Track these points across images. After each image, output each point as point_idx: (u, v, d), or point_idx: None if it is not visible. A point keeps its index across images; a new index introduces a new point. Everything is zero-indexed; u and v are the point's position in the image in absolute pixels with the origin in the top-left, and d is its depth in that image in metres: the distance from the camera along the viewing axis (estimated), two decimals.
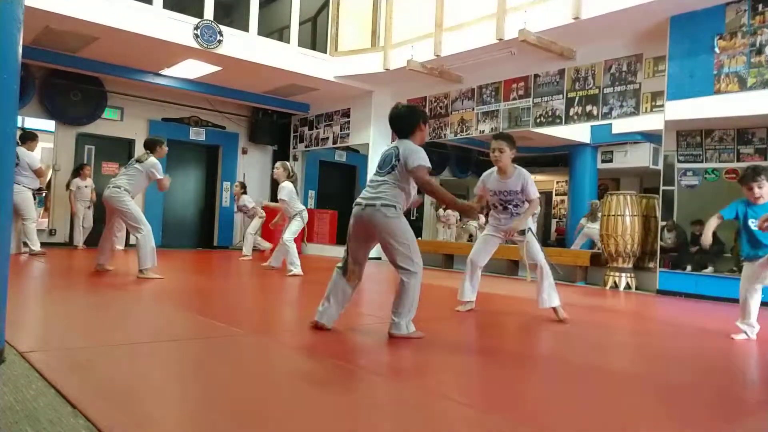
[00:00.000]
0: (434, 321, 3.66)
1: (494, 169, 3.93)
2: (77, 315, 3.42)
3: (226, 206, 11.16)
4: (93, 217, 8.84)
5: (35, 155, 7.18)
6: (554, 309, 3.88)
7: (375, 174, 3.02)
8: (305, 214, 6.55)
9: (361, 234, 2.99)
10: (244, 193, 9.01)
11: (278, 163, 6.72)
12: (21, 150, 6.93)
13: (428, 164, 2.89)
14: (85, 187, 8.75)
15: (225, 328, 3.12)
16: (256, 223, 8.65)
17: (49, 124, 9.21)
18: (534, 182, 3.93)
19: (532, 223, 4.10)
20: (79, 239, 8.76)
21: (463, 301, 4.10)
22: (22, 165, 6.88)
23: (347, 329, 3.20)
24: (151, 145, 5.48)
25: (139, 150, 10.09)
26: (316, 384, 2.15)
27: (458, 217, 12.41)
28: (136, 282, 4.73)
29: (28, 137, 7.19)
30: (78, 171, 8.84)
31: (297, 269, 6.11)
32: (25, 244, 7.12)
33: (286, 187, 6.36)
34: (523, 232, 3.91)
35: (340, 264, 3.10)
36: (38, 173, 7.12)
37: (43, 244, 7.42)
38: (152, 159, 5.31)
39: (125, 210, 5.11)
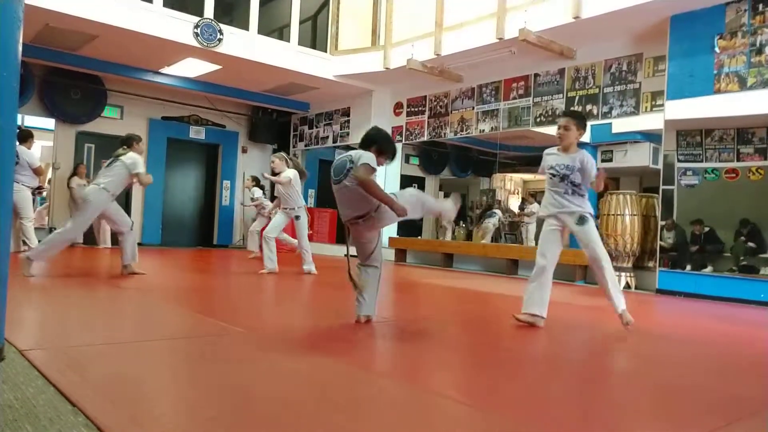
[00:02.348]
0: (433, 320, 3.67)
1: (555, 147, 3.70)
2: (76, 313, 3.42)
3: (225, 205, 11.16)
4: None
5: (35, 154, 7.18)
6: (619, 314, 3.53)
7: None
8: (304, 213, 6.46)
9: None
10: (256, 186, 8.71)
11: (273, 156, 6.54)
12: (21, 148, 6.93)
13: (374, 165, 3.05)
14: (84, 185, 8.74)
15: (224, 326, 3.12)
16: (263, 221, 8.28)
17: (49, 123, 9.21)
18: (594, 166, 3.65)
19: (590, 209, 3.67)
20: (80, 237, 8.76)
21: (530, 314, 3.56)
22: (21, 164, 6.88)
23: (347, 328, 3.20)
24: (128, 141, 5.24)
25: None
26: (315, 382, 2.15)
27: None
28: (135, 280, 4.72)
29: (26, 135, 7.20)
30: (74, 170, 8.86)
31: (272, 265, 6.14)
32: (25, 243, 7.12)
33: (290, 172, 6.18)
34: (582, 220, 3.56)
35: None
36: (37, 172, 7.12)
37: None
38: (132, 153, 5.11)
39: (86, 209, 4.93)
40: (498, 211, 11.39)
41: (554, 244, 3.66)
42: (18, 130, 7.38)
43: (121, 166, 5.00)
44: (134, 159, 5.05)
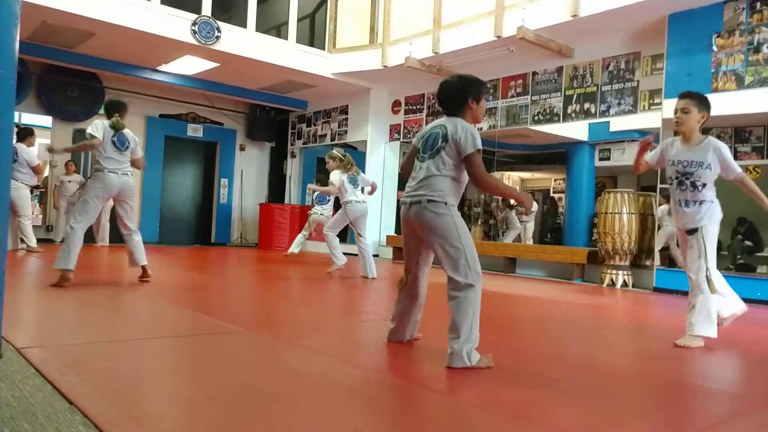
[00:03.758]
0: (432, 320, 3.66)
1: (678, 138, 3.28)
2: (74, 311, 3.41)
3: (223, 203, 11.15)
4: None
5: (34, 152, 7.17)
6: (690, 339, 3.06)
7: (418, 160, 2.54)
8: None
9: (411, 237, 2.58)
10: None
11: (327, 155, 6.26)
12: (20, 146, 6.94)
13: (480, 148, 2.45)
14: (69, 182, 8.73)
15: (223, 324, 3.12)
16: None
17: (46, 120, 9.19)
18: (731, 156, 3.12)
19: (708, 220, 3.09)
20: (58, 235, 8.79)
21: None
22: (20, 161, 6.88)
23: (347, 328, 3.20)
24: (119, 107, 4.68)
25: None
26: (314, 382, 2.15)
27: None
28: (133, 278, 4.71)
29: (26, 133, 7.18)
30: (64, 167, 8.85)
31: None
32: (23, 241, 7.12)
33: (334, 177, 5.96)
34: (694, 230, 3.09)
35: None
36: (36, 170, 7.12)
37: (39, 240, 7.41)
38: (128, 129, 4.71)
39: (132, 202, 4.63)
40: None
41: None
42: (17, 128, 7.39)
43: (133, 146, 4.65)
44: (136, 139, 4.71)
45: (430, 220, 2.41)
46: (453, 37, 7.54)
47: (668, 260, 6.14)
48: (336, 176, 5.92)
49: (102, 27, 7.22)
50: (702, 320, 3.02)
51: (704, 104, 3.17)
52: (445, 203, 2.42)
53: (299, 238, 7.42)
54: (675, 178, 3.17)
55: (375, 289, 5.36)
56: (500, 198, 11.71)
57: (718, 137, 6.05)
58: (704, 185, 3.08)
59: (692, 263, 3.07)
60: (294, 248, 7.46)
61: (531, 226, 11.58)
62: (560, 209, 13.16)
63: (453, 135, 2.43)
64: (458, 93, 2.53)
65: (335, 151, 6.33)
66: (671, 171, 3.19)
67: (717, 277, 3.10)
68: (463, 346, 2.32)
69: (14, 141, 7.12)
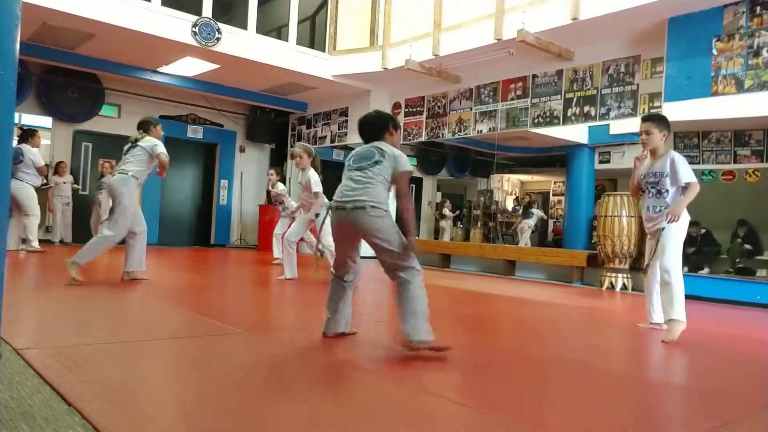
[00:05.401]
0: (432, 321, 3.66)
1: (647, 154, 3.71)
2: (73, 312, 3.41)
3: (223, 204, 11.15)
4: (72, 214, 8.92)
5: (38, 153, 7.21)
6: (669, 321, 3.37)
7: (353, 171, 2.73)
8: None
9: (347, 237, 2.78)
10: (282, 181, 7.63)
11: (297, 146, 5.57)
12: (25, 147, 6.98)
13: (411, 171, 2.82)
14: (63, 183, 8.75)
15: (222, 326, 3.12)
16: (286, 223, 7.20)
17: (47, 121, 9.19)
18: (687, 164, 3.51)
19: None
20: (56, 236, 8.79)
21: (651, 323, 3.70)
22: (25, 162, 6.92)
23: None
24: (145, 126, 5.00)
25: None
26: (312, 382, 2.15)
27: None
28: (132, 280, 4.71)
29: (30, 134, 7.22)
30: (56, 168, 8.86)
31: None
32: (24, 241, 7.12)
33: (313, 177, 5.40)
34: (661, 229, 3.50)
35: (332, 270, 2.89)
36: (41, 171, 7.15)
37: (39, 241, 7.40)
38: (148, 137, 4.88)
39: (121, 201, 4.51)
40: (538, 212, 11.21)
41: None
42: (21, 129, 7.43)
43: (141, 151, 4.75)
44: (153, 142, 4.83)
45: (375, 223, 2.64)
46: (453, 40, 7.55)
47: None
48: (316, 176, 5.42)
49: (102, 28, 7.23)
50: (678, 305, 3.32)
51: (664, 124, 3.64)
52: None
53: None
54: (646, 189, 3.64)
55: (375, 289, 5.36)
56: (521, 207, 11.86)
57: (718, 141, 6.07)
58: (667, 191, 3.52)
59: (663, 253, 3.41)
60: (277, 253, 7.20)
61: (529, 229, 11.59)
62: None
63: (390, 153, 2.74)
64: (379, 122, 2.89)
65: (308, 145, 5.73)
66: (644, 184, 3.66)
67: (678, 275, 3.39)
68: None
69: (16, 142, 7.16)
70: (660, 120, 3.65)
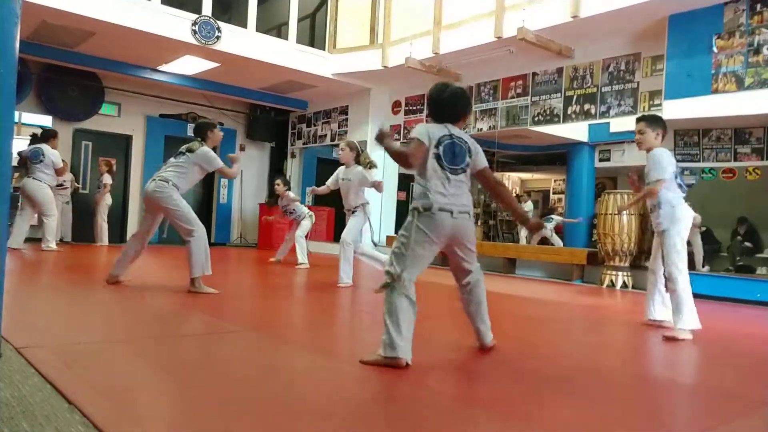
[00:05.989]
0: (430, 319, 3.66)
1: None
2: (74, 311, 3.41)
3: (223, 203, 11.16)
4: (72, 212, 8.94)
5: (57, 153, 7.24)
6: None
7: (448, 171, 2.45)
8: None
9: (446, 242, 2.51)
10: (289, 189, 7.30)
11: (343, 143, 5.36)
12: (45, 147, 7.02)
13: None
14: (64, 181, 8.75)
15: (222, 324, 3.12)
16: (306, 225, 7.16)
17: (46, 120, 9.19)
18: (660, 162, 3.46)
19: (668, 224, 3.43)
20: (57, 234, 8.81)
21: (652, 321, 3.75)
22: (46, 162, 6.96)
23: (347, 328, 3.20)
24: (201, 131, 4.46)
25: (136, 147, 10.10)
26: (313, 380, 2.15)
27: None
28: (133, 279, 4.70)
29: (50, 134, 7.27)
30: None
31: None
32: (40, 240, 7.17)
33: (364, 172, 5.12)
34: (662, 232, 3.47)
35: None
36: (59, 172, 7.22)
37: (38, 240, 7.41)
38: (204, 149, 4.34)
39: (173, 209, 4.23)
40: (557, 216, 10.94)
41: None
42: (42, 129, 7.50)
43: (190, 160, 4.31)
44: (205, 154, 4.34)
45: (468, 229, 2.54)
46: (453, 38, 7.54)
47: None
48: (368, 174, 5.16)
49: (102, 27, 7.22)
50: (685, 313, 3.30)
51: (657, 124, 3.59)
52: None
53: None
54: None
55: (367, 288, 5.36)
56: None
57: (718, 139, 6.07)
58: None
59: (665, 260, 3.42)
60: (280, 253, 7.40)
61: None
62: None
63: (473, 152, 2.56)
64: (461, 102, 2.62)
65: (354, 141, 5.52)
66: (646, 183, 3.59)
67: (683, 282, 3.37)
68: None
69: (31, 142, 7.19)
70: (653, 120, 3.62)
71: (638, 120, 3.67)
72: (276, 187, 7.19)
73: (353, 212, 5.15)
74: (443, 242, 2.47)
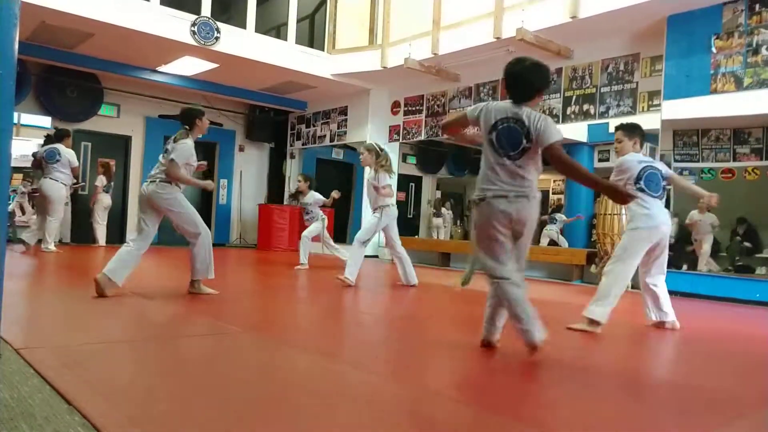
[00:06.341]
0: (429, 318, 3.67)
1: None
2: (74, 312, 3.41)
3: (222, 203, 11.15)
4: (71, 213, 8.95)
5: (73, 152, 7.27)
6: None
7: (502, 157, 2.46)
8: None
9: (508, 230, 2.49)
10: (311, 187, 7.08)
11: (362, 147, 5.42)
12: (61, 147, 7.04)
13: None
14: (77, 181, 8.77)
15: (222, 325, 3.12)
16: (315, 228, 7.01)
17: (45, 120, 9.17)
18: (619, 168, 3.62)
19: (628, 225, 3.66)
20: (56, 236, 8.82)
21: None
22: (62, 162, 6.96)
23: (347, 328, 3.20)
24: (189, 119, 4.26)
25: (135, 148, 10.09)
26: (312, 381, 2.15)
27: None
28: (131, 280, 4.70)
29: (64, 134, 7.28)
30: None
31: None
32: (39, 241, 7.15)
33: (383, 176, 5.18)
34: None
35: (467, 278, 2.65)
36: (75, 171, 7.25)
37: (40, 241, 7.39)
38: (185, 141, 4.15)
39: (179, 211, 4.01)
40: (561, 216, 10.85)
41: None
42: (55, 129, 7.51)
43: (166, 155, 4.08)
44: (182, 149, 4.10)
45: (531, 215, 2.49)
46: (452, 39, 7.54)
47: (667, 262, 6.13)
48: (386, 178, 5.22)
49: (101, 27, 7.22)
50: (602, 305, 3.57)
51: (634, 132, 3.68)
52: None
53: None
54: None
55: (374, 290, 5.36)
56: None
57: (717, 139, 6.07)
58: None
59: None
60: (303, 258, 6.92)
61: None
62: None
63: (534, 132, 2.44)
64: (539, 79, 2.57)
65: (373, 144, 5.46)
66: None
67: (613, 278, 3.57)
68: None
69: (45, 142, 7.21)
70: (630, 129, 3.72)
71: (616, 129, 3.77)
72: (298, 184, 7.23)
73: (374, 212, 5.25)
74: (506, 226, 2.46)
